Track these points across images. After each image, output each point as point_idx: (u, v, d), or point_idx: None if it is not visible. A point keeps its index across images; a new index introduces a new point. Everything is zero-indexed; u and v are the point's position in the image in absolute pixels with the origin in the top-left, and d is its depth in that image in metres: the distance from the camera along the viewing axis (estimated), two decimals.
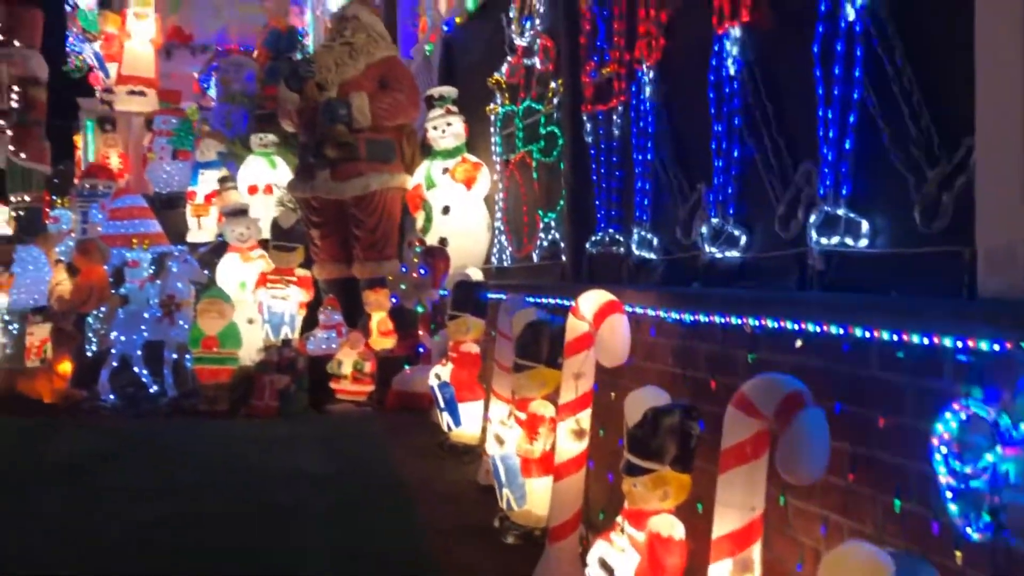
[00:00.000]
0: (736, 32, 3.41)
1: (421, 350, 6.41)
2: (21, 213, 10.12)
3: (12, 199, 10.31)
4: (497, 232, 6.83)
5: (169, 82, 11.98)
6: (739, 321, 2.72)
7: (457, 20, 8.08)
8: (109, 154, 10.37)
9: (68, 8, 12.55)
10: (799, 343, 2.42)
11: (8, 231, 10.11)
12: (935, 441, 1.78)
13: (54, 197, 10.25)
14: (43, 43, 10.80)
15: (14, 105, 10.13)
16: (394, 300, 6.86)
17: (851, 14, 2.72)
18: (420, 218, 7.29)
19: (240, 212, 7.67)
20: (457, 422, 5.09)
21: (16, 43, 10.23)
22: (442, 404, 5.15)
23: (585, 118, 5.05)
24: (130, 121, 10.62)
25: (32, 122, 10.21)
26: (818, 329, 2.32)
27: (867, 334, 2.12)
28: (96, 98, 11.57)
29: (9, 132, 10.29)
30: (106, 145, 10.42)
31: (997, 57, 2.07)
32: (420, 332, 6.59)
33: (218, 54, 12.64)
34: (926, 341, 1.92)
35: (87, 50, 12.61)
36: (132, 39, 10.99)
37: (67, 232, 8.88)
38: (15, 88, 10.11)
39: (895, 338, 2.03)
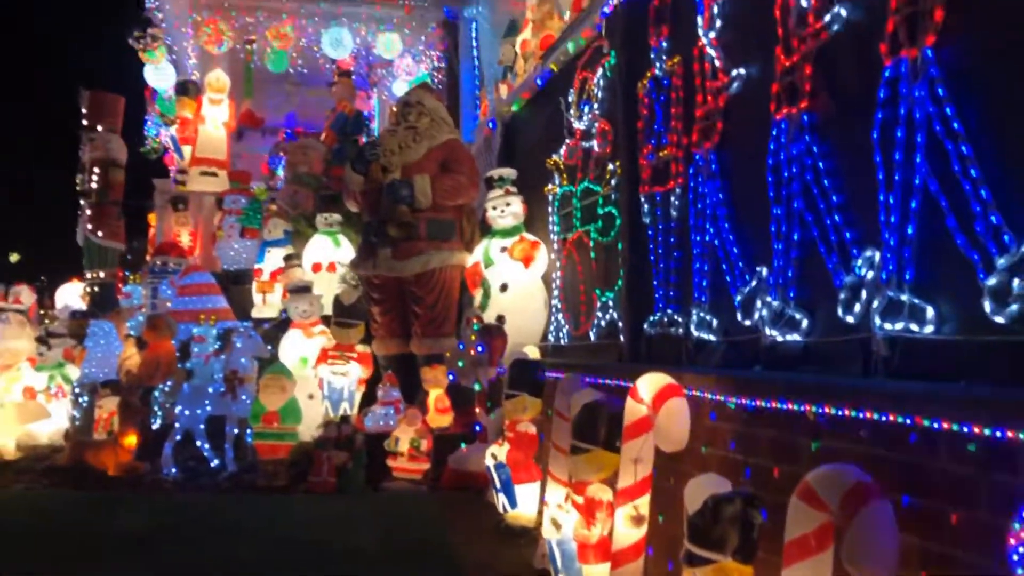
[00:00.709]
0: (795, 117, 3.43)
1: (478, 428, 6.39)
2: (95, 289, 10.49)
3: (88, 275, 10.71)
4: (554, 310, 6.86)
5: (240, 163, 12.47)
6: (802, 408, 2.67)
7: (517, 104, 8.29)
8: (180, 232, 10.76)
9: (148, 94, 13.20)
10: (864, 432, 2.36)
11: (82, 306, 10.47)
12: (1013, 541, 1.71)
13: (127, 273, 10.63)
14: (123, 127, 11.34)
15: (94, 186, 10.62)
16: (451, 377, 6.89)
17: (911, 102, 2.73)
18: (478, 295, 7.37)
19: (304, 289, 7.84)
20: (513, 503, 5.03)
21: (99, 128, 10.78)
22: (498, 485, 5.10)
23: (643, 199, 5.10)
24: (201, 200, 11.04)
25: (110, 202, 10.67)
26: (884, 418, 2.27)
27: (935, 425, 2.07)
28: (170, 179, 12.06)
29: (88, 211, 10.77)
30: (178, 224, 10.81)
31: None
32: (477, 410, 6.58)
33: (287, 137, 13.15)
34: (999, 434, 1.87)
35: (163, 133, 13.21)
36: (206, 123, 11.50)
37: (138, 307, 9.17)
38: (95, 170, 10.62)
39: (965, 430, 1.97)
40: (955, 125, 2.57)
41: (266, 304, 9.15)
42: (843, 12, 3.16)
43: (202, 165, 11.32)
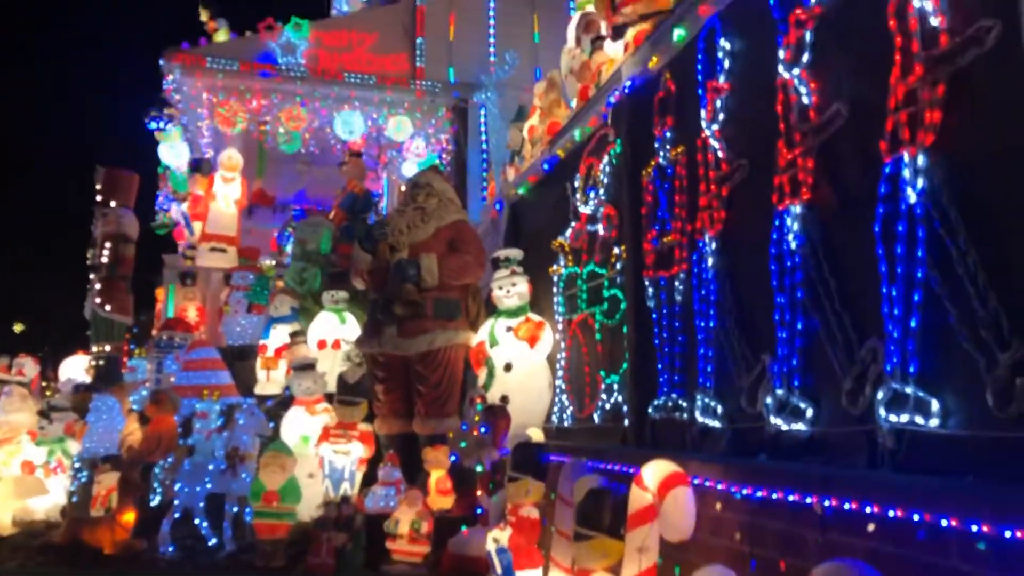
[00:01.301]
0: (797, 209, 3.50)
1: (479, 511, 6.30)
2: (100, 362, 10.52)
3: (94, 349, 10.75)
4: (558, 391, 6.84)
5: (249, 238, 12.63)
6: (809, 500, 2.66)
7: (521, 191, 8.43)
8: (188, 307, 10.83)
9: (161, 170, 13.48)
10: (872, 527, 2.34)
11: (87, 380, 10.48)
12: None
13: (132, 347, 10.66)
14: (136, 202, 11.56)
15: (104, 260, 10.76)
16: (454, 458, 6.83)
17: (912, 197, 2.79)
18: (483, 375, 7.36)
19: (308, 366, 7.84)
20: None
21: (112, 203, 10.97)
22: (499, 570, 5.02)
23: (647, 283, 5.15)
24: (210, 276, 11.16)
25: (119, 276, 10.80)
26: (891, 513, 2.26)
27: (943, 521, 2.06)
28: (179, 254, 12.21)
29: (97, 285, 10.88)
30: (185, 299, 10.90)
31: None
32: (479, 492, 6.51)
33: (296, 214, 13.36)
34: (1008, 534, 1.86)
35: (175, 209, 13.42)
36: (218, 200, 11.71)
37: (142, 382, 9.17)
38: (107, 244, 10.77)
39: (974, 527, 1.96)
40: (954, 222, 2.62)
41: (270, 380, 9.14)
42: (843, 110, 3.25)
43: (212, 241, 11.47)
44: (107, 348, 10.62)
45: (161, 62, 11.68)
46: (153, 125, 11.87)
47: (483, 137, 12.23)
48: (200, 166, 12.01)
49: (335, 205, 11.38)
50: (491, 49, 13.15)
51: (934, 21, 2.74)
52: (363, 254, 7.80)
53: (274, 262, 11.45)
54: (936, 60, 2.71)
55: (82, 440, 8.06)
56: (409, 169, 12.38)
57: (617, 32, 5.95)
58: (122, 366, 10.21)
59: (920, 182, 2.75)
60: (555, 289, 6.98)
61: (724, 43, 4.36)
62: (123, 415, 8.19)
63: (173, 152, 12.43)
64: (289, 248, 11.94)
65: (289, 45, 12.16)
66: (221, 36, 12.54)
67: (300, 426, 7.60)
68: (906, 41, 2.87)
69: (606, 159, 6.13)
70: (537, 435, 6.29)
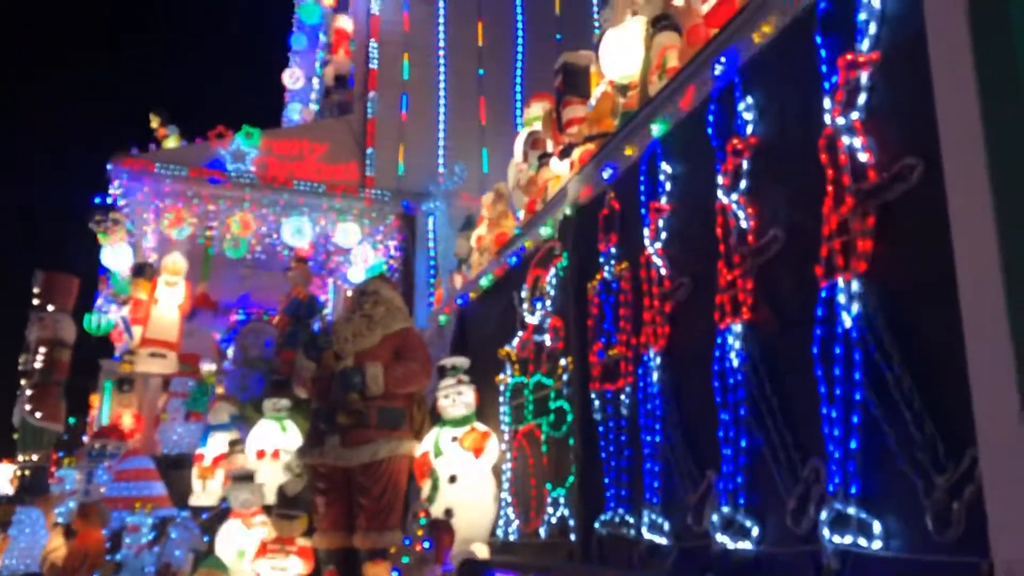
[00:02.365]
0: (738, 328, 3.60)
1: None
2: (26, 473, 10.07)
3: (20, 458, 10.30)
4: (504, 504, 6.74)
5: (190, 341, 12.40)
6: None
7: (471, 295, 8.50)
8: (123, 414, 10.51)
9: (102, 273, 13.28)
10: None
11: (10, 491, 10.01)
12: None
13: (61, 456, 10.25)
14: (74, 304, 11.32)
15: (37, 365, 10.44)
16: (395, 574, 6.62)
17: (847, 321, 2.90)
18: (426, 487, 7.22)
19: (246, 478, 7.62)
20: None
21: (50, 307, 10.74)
22: None
23: (594, 396, 5.18)
24: (148, 382, 10.89)
25: (53, 382, 10.47)
26: None
27: None
28: (117, 359, 11.92)
29: (28, 391, 10.52)
30: (121, 405, 10.59)
31: (992, 383, 2.19)
32: None
33: (239, 320, 13.19)
34: None
35: (114, 312, 13.17)
36: (159, 304, 11.53)
37: (70, 493, 8.79)
38: (41, 349, 10.48)
39: None
40: (888, 347, 2.73)
41: (206, 491, 8.83)
42: (780, 235, 3.40)
43: (151, 346, 11.23)
44: (34, 457, 10.18)
45: (109, 166, 11.67)
46: (97, 229, 11.76)
47: (431, 245, 12.37)
48: (143, 270, 11.87)
49: (280, 310, 11.29)
50: (440, 160, 13.46)
51: (862, 157, 2.92)
52: (307, 362, 7.69)
53: (214, 368, 11.23)
54: (865, 193, 2.87)
55: (1, 556, 7.64)
56: (356, 275, 12.41)
57: (564, 152, 6.16)
58: (49, 476, 9.80)
59: (855, 307, 2.87)
60: (501, 399, 6.96)
61: (665, 166, 4.55)
62: (47, 529, 7.81)
63: (116, 256, 12.29)
64: (231, 353, 11.76)
65: (239, 153, 12.28)
66: (171, 142, 12.63)
67: (236, 540, 7.33)
68: (837, 173, 3.04)
69: (553, 271, 6.24)
70: (482, 551, 6.16)
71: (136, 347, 11.56)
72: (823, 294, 3.05)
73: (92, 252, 12.39)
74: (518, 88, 14.38)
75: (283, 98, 19.19)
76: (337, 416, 7.33)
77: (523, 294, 6.72)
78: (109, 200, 12.09)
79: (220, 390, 9.71)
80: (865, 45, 2.97)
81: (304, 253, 12.35)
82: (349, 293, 9.26)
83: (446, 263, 11.07)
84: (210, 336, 12.97)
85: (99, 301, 13.51)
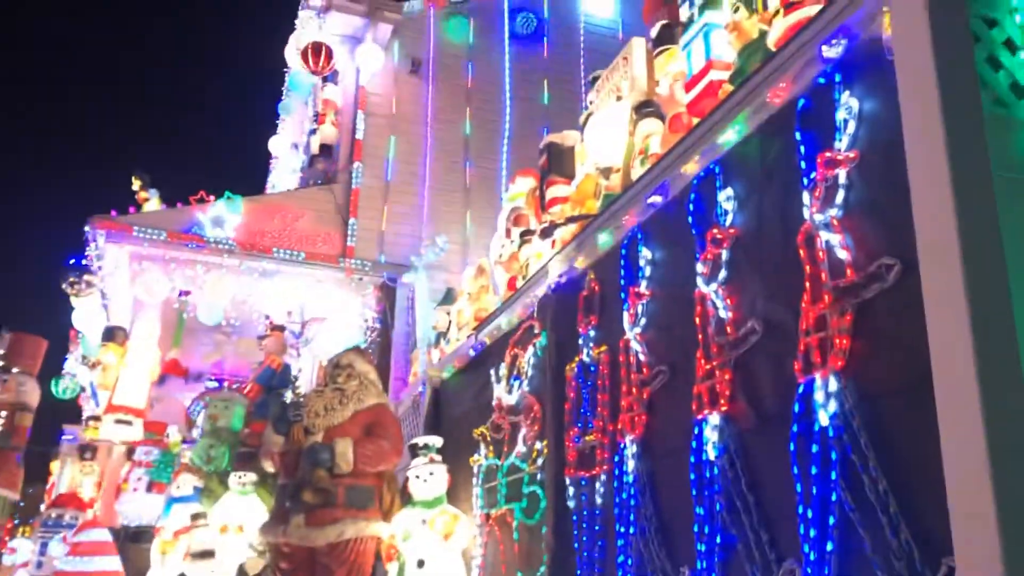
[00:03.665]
0: (715, 420, 3.54)
1: None
2: None
3: None
4: None
5: (158, 407, 12.14)
6: None
7: (448, 371, 8.40)
8: (83, 482, 10.21)
9: (72, 333, 13.06)
10: None
11: None
12: None
13: (16, 524, 9.91)
14: (41, 366, 11.09)
15: None
16: None
17: (824, 419, 2.85)
18: (393, 571, 7.00)
19: (207, 554, 7.37)
20: None
21: (14, 369, 10.51)
22: None
23: (568, 482, 5.07)
24: (111, 450, 10.61)
25: (11, 447, 10.18)
26: None
27: None
28: (81, 424, 11.64)
29: None
30: (82, 473, 10.29)
31: (969, 490, 2.14)
32: None
33: (209, 388, 12.98)
34: None
35: (82, 374, 12.92)
36: (129, 369, 11.32)
37: (21, 565, 8.46)
38: (2, 413, 10.22)
39: None
40: (864, 448, 2.67)
41: (165, 565, 8.52)
42: (758, 327, 3.37)
43: (117, 412, 10.98)
44: None
45: (87, 228, 11.58)
46: (70, 291, 11.61)
47: (409, 317, 12.29)
48: (114, 334, 11.69)
49: (251, 379, 11.10)
50: (423, 232, 13.50)
51: (840, 254, 2.91)
52: (276, 436, 7.52)
53: (181, 437, 10.97)
54: (843, 291, 2.86)
55: None
56: (331, 346, 12.27)
57: (545, 232, 6.17)
58: (2, 546, 9.43)
59: (832, 405, 2.83)
60: (475, 480, 6.81)
61: (646, 252, 4.55)
62: None
63: (87, 318, 12.11)
64: (199, 421, 11.52)
65: (220, 218, 12.25)
66: (151, 206, 12.59)
67: None
68: (815, 269, 3.02)
69: (531, 350, 6.18)
70: None
71: (102, 413, 11.30)
72: (800, 390, 3.01)
73: (64, 314, 12.22)
74: (504, 163, 14.54)
75: (268, 164, 19.31)
76: (303, 493, 7.13)
77: (500, 372, 6.64)
78: (84, 262, 11.96)
79: (185, 460, 9.46)
80: (843, 143, 3.00)
81: (280, 322, 12.22)
82: (324, 362, 9.12)
83: (424, 337, 10.98)
84: (179, 404, 12.72)
85: (67, 364, 13.26)
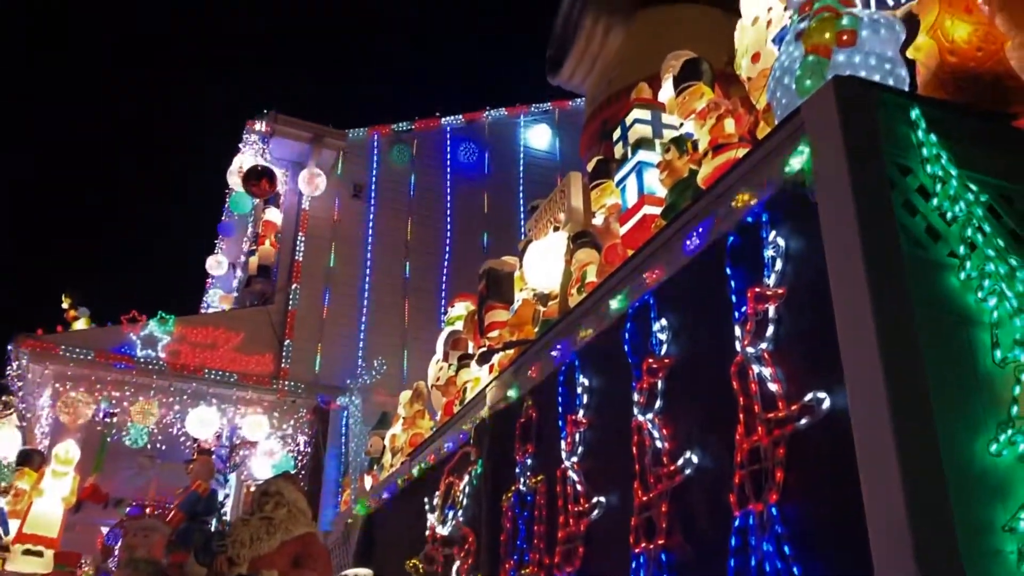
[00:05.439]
0: (652, 554, 3.49)
1: None
2: None
3: None
4: None
5: (72, 535, 11.44)
6: None
7: (378, 503, 8.18)
8: None
9: None
10: None
11: None
12: None
13: None
14: None
15: None
16: None
17: (760, 554, 2.83)
18: None
19: None
20: None
21: None
22: None
23: None
24: None
25: None
26: None
27: None
28: None
29: None
30: None
31: None
32: None
33: (129, 515, 12.33)
34: None
35: None
36: (44, 496, 10.70)
37: None
38: None
39: None
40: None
41: None
42: (694, 459, 3.38)
43: (28, 542, 10.29)
44: None
45: (9, 347, 11.20)
46: None
47: (343, 441, 12.02)
48: (30, 458, 11.10)
49: (174, 505, 10.60)
50: (359, 354, 13.37)
51: (772, 387, 2.97)
52: (198, 568, 7.16)
53: (95, 568, 10.33)
54: (775, 423, 2.90)
55: None
56: (261, 470, 11.87)
57: (483, 357, 6.18)
58: None
59: (768, 539, 2.81)
60: None
61: (583, 379, 4.57)
62: None
63: (3, 440, 11.53)
64: (117, 551, 10.87)
65: (151, 338, 11.99)
66: (80, 324, 12.28)
67: None
68: (748, 401, 3.07)
69: (467, 479, 6.06)
70: None
71: (10, 543, 10.58)
72: (736, 523, 3.00)
73: None
74: (443, 285, 14.65)
75: (205, 284, 19.10)
76: None
77: (435, 501, 6.47)
78: (4, 382, 11.50)
79: None
80: (772, 280, 3.11)
81: (208, 445, 11.82)
82: (252, 488, 8.79)
83: (357, 462, 10.72)
84: (96, 532, 12.03)
85: None
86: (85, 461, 11.56)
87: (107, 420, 11.85)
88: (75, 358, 11.34)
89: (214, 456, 11.73)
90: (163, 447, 12.42)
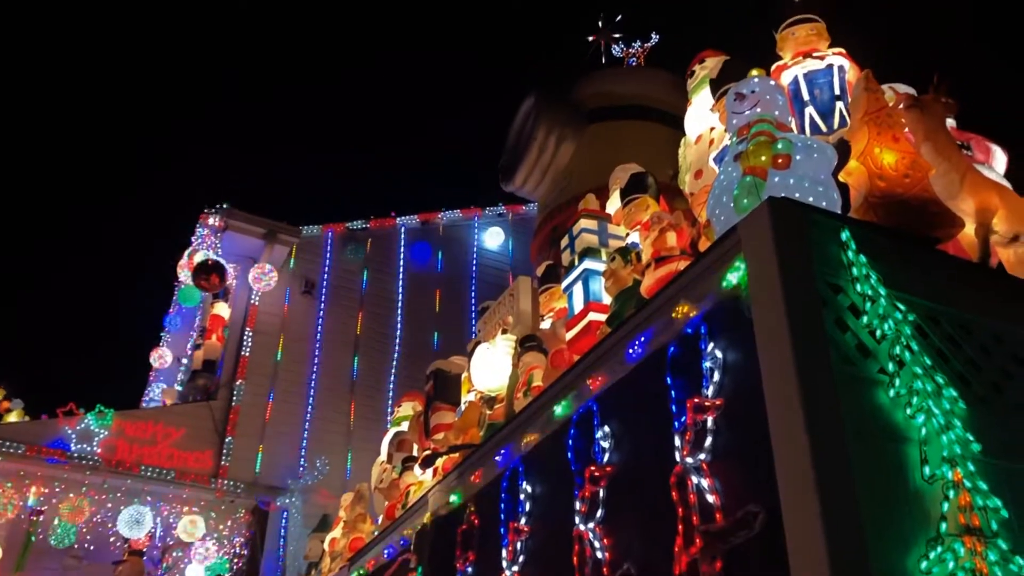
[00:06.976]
0: None
1: None
2: None
3: None
4: None
5: None
6: None
7: None
8: None
9: None
10: None
11: None
12: None
13: None
14: None
15: None
16: None
17: None
18: None
19: None
20: None
21: None
22: None
23: None
24: None
25: None
26: None
27: None
28: None
29: None
30: None
31: None
32: None
33: None
34: None
35: None
36: None
37: None
38: None
39: None
40: None
41: None
42: (633, 570, 3.35)
43: None
44: None
45: None
46: None
47: (281, 544, 11.60)
48: None
49: None
50: (302, 454, 13.06)
51: (710, 498, 2.99)
52: None
53: None
54: (713, 536, 2.90)
55: None
56: (194, 574, 11.37)
57: (426, 461, 6.10)
58: None
59: None
60: None
61: (527, 486, 4.53)
62: None
63: None
64: None
65: (87, 432, 11.60)
66: (13, 417, 11.84)
67: None
68: (687, 512, 3.08)
69: None
70: None
71: None
72: None
73: None
74: (392, 383, 14.49)
75: (148, 377, 18.63)
76: None
77: None
78: None
79: None
80: (710, 390, 3.16)
81: (140, 545, 11.33)
82: None
83: (295, 566, 10.34)
84: None
85: None
86: (7, 559, 10.97)
87: (33, 518, 11.30)
88: (3, 452, 10.90)
89: (144, 558, 11.23)
90: (91, 547, 11.82)
